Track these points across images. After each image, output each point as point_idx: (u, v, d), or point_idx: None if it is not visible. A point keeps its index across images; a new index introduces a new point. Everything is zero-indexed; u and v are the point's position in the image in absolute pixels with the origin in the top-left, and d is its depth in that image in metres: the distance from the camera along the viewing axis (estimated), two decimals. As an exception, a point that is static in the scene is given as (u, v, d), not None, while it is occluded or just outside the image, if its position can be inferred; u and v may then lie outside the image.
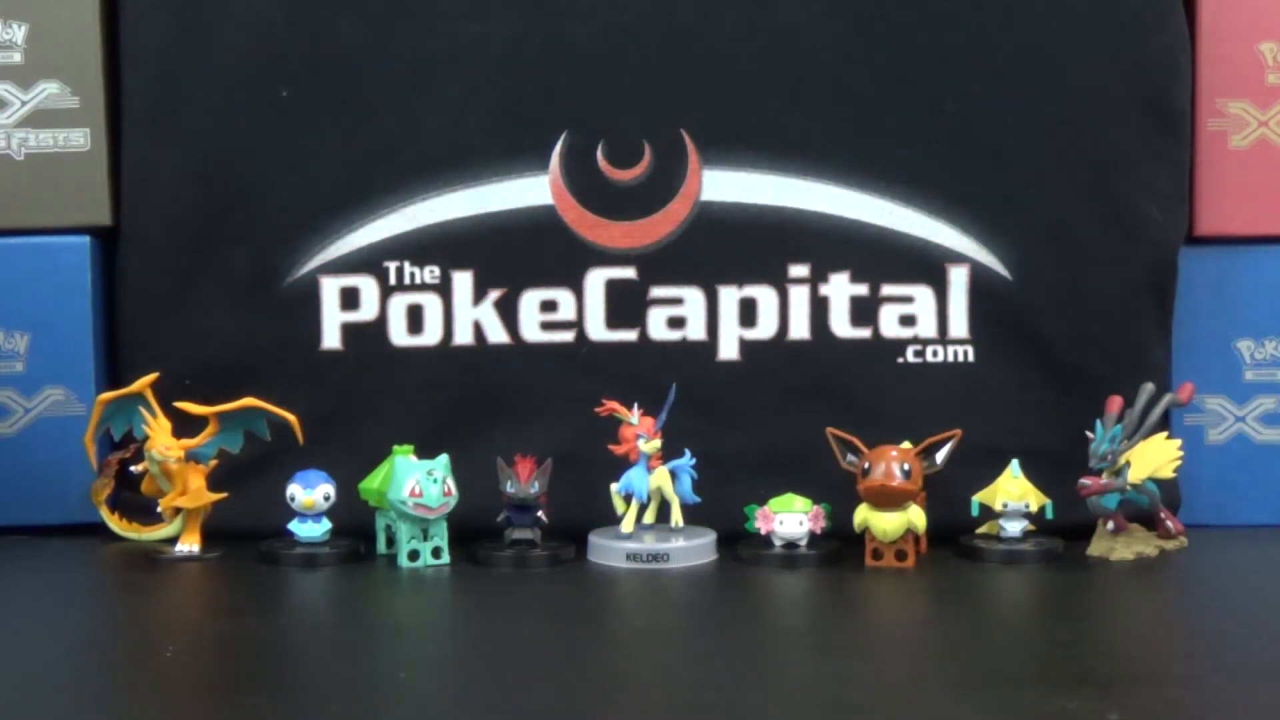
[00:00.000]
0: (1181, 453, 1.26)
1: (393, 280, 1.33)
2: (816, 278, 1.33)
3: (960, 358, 1.33)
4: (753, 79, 1.32)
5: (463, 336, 1.33)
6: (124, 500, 1.35)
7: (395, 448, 1.22)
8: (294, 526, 1.25)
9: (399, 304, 1.33)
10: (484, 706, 0.89)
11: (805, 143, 1.31)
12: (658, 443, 1.23)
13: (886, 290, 1.33)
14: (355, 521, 1.27)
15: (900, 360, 1.33)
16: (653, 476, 1.23)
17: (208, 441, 1.27)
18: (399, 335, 1.34)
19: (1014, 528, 1.24)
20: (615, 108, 1.32)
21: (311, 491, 1.24)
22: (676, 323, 1.33)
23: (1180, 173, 1.34)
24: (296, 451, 1.28)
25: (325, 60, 1.32)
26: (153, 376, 1.28)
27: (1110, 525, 1.25)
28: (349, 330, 1.34)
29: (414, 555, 1.22)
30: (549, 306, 1.33)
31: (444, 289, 1.33)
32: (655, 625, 1.10)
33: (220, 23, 1.33)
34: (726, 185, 1.32)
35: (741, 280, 1.33)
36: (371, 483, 1.25)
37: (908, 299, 1.33)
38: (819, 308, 1.33)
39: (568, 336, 1.33)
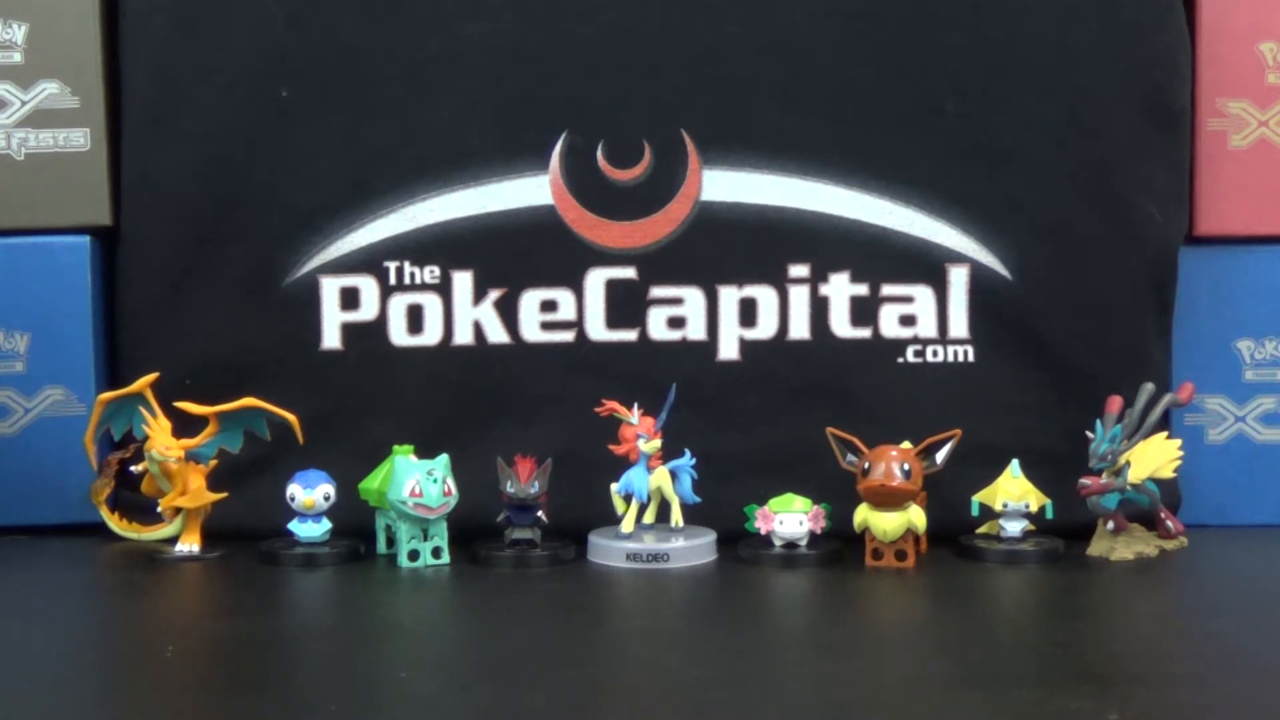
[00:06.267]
0: (1181, 453, 1.26)
1: (393, 280, 1.33)
2: (816, 278, 1.33)
3: (960, 358, 1.33)
4: (752, 79, 1.32)
5: (463, 336, 1.33)
6: (124, 500, 1.35)
7: (395, 448, 1.22)
8: (294, 526, 1.25)
9: (399, 304, 1.33)
10: (484, 706, 0.89)
11: (805, 143, 1.31)
12: (658, 443, 1.23)
13: (886, 290, 1.33)
14: (355, 521, 1.27)
15: (900, 360, 1.33)
16: (653, 476, 1.23)
17: (208, 441, 1.27)
18: (399, 335, 1.34)
19: (1014, 528, 1.24)
20: (615, 108, 1.32)
21: (311, 491, 1.24)
22: (676, 323, 1.33)
23: (1180, 172, 1.34)
24: (296, 451, 1.28)
25: (325, 60, 1.32)
26: (153, 376, 1.28)
27: (1110, 525, 1.25)
28: (349, 330, 1.34)
29: (414, 555, 1.22)
30: (549, 306, 1.33)
31: (444, 289, 1.33)
32: (655, 625, 1.10)
33: (220, 23, 1.33)
34: (726, 185, 1.32)
35: (741, 280, 1.33)
36: (371, 483, 1.25)
37: (908, 299, 1.33)
38: (819, 308, 1.33)
39: (568, 336, 1.33)
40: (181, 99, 1.33)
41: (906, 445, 1.22)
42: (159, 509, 1.30)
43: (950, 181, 1.32)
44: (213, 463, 1.28)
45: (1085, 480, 1.22)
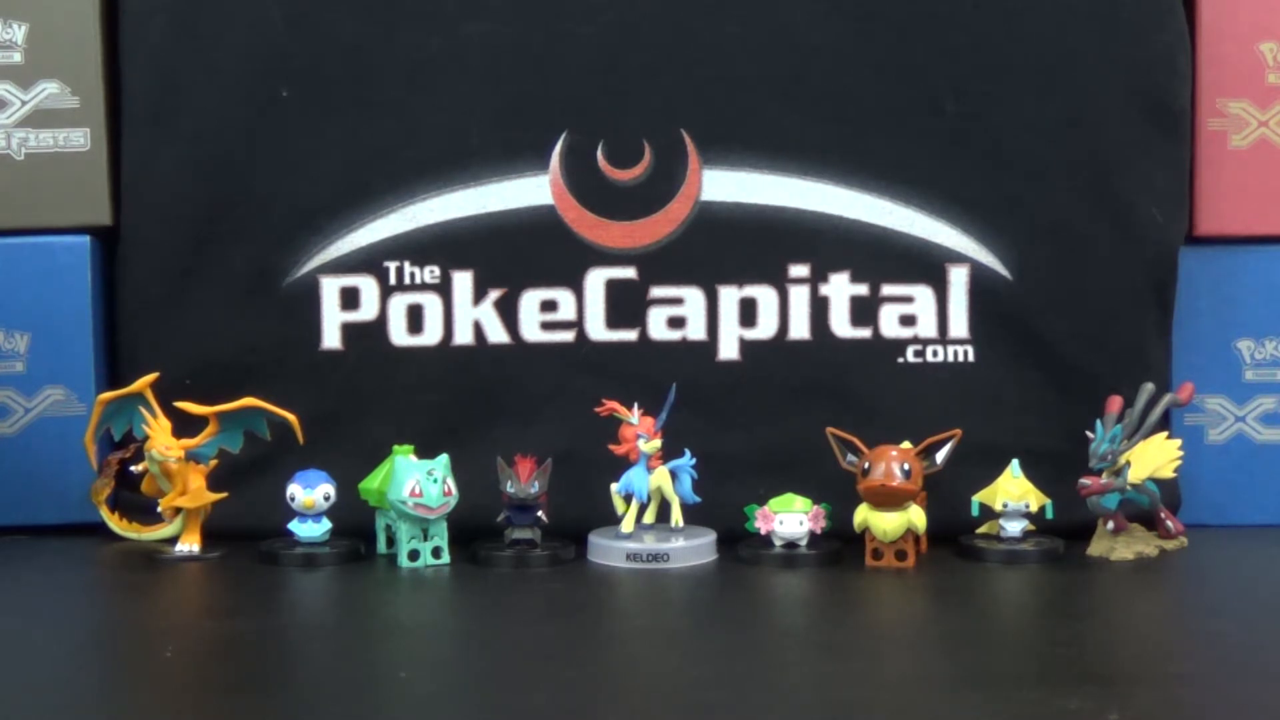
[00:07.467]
0: (1181, 453, 1.26)
1: (393, 280, 1.33)
2: (816, 278, 1.33)
3: (960, 358, 1.33)
4: (753, 79, 1.32)
5: (463, 336, 1.33)
6: (124, 500, 1.35)
7: (395, 448, 1.22)
8: (294, 526, 1.25)
9: (399, 304, 1.33)
10: (484, 706, 0.89)
11: (805, 143, 1.31)
12: (658, 443, 1.23)
13: (886, 290, 1.33)
14: (355, 521, 1.27)
15: (900, 360, 1.33)
16: (653, 476, 1.23)
17: (208, 441, 1.27)
18: (399, 335, 1.34)
19: (1014, 528, 1.24)
20: (615, 108, 1.32)
21: (311, 491, 1.24)
22: (676, 323, 1.33)
23: (1180, 173, 1.34)
24: (296, 451, 1.28)
25: (325, 60, 1.32)
26: (153, 376, 1.28)
27: (1110, 525, 1.25)
28: (349, 330, 1.34)
29: (414, 555, 1.22)
30: (549, 306, 1.33)
31: (444, 289, 1.33)
32: (655, 625, 1.10)
33: (220, 23, 1.33)
34: (726, 185, 1.32)
35: (741, 280, 1.33)
36: (371, 483, 1.25)
37: (908, 299, 1.33)
38: (819, 308, 1.33)
39: (568, 336, 1.33)
40: (181, 99, 1.33)
41: (906, 445, 1.22)
42: (159, 509, 1.30)
43: (950, 181, 1.32)
44: (213, 463, 1.28)
45: (1085, 480, 1.22)
